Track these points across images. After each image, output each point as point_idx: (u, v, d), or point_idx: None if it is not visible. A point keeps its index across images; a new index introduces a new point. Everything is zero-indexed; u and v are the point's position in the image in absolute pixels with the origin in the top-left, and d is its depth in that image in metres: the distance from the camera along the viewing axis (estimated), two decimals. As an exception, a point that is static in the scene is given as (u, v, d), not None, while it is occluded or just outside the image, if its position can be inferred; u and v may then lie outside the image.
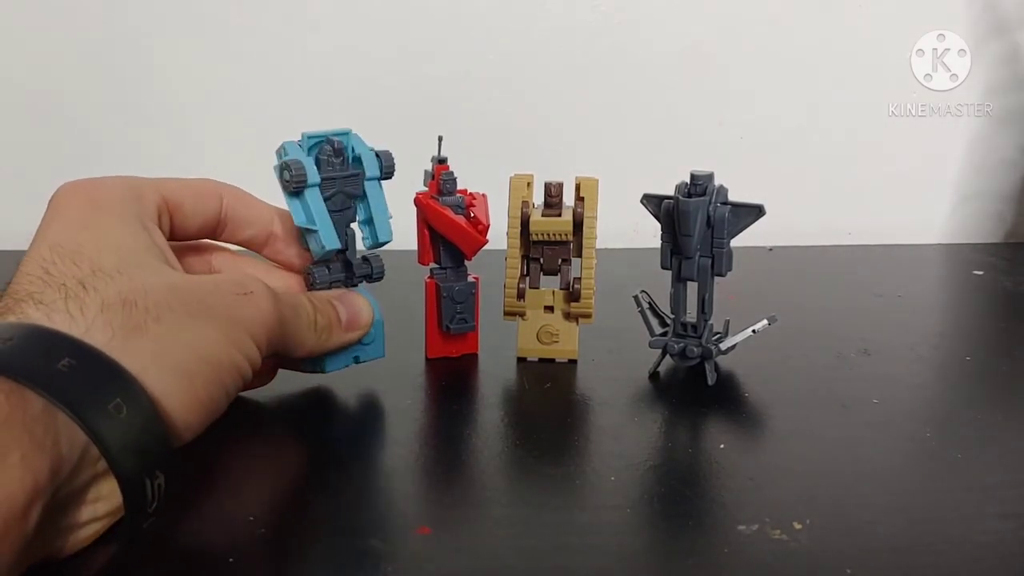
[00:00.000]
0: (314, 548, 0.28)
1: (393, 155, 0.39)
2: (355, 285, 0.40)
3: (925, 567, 0.27)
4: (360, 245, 0.40)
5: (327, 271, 0.38)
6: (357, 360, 0.40)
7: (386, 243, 0.39)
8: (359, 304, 0.38)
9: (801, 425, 0.37)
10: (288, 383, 0.40)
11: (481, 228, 0.42)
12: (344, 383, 0.41)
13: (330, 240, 0.37)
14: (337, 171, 0.37)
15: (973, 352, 0.47)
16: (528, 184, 0.43)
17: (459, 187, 0.42)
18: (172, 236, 0.35)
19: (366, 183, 0.38)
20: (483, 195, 0.43)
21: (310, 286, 0.38)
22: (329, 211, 0.37)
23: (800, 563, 0.27)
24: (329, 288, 0.38)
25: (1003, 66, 0.72)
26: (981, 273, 0.63)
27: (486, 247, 0.42)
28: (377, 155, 0.38)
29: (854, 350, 0.46)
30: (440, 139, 0.42)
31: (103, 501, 0.26)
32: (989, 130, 0.74)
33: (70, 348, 0.25)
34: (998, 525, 0.30)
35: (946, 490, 0.32)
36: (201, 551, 0.28)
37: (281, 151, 0.36)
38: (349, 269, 0.39)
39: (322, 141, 0.37)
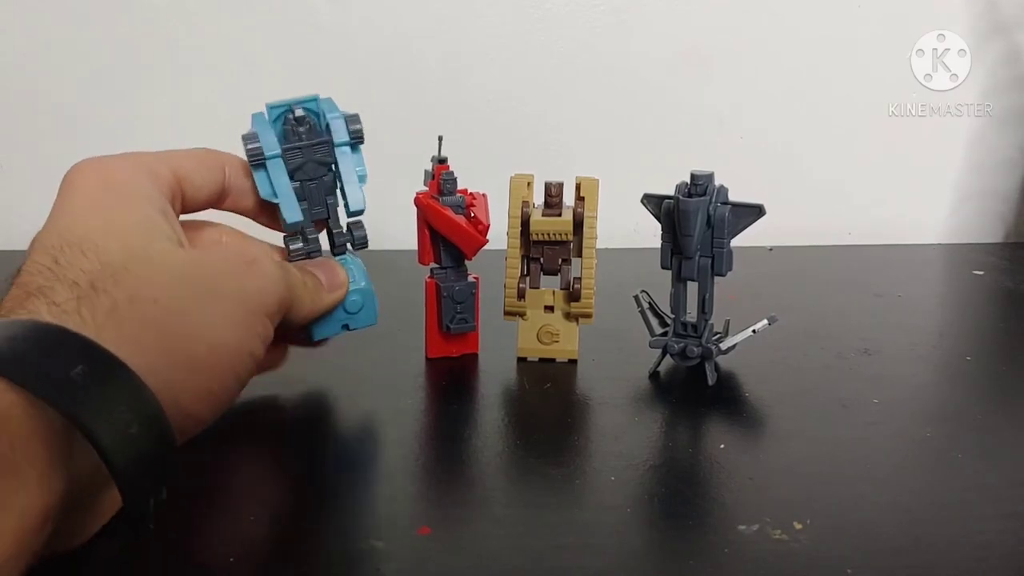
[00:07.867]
0: (314, 548, 0.28)
1: (361, 117, 0.37)
2: (340, 254, 0.39)
3: (925, 567, 0.27)
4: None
5: (301, 242, 0.38)
6: (347, 328, 0.39)
7: (359, 212, 0.37)
8: (330, 264, 0.38)
9: (801, 425, 0.37)
10: (288, 383, 0.40)
11: (481, 228, 0.42)
12: (344, 383, 0.41)
13: (290, 213, 0.36)
14: (303, 140, 0.36)
15: (973, 352, 0.47)
16: (528, 184, 0.43)
17: (459, 187, 0.42)
18: (183, 209, 0.35)
19: (336, 149, 0.37)
20: (483, 195, 0.43)
21: (286, 257, 0.38)
22: (302, 180, 0.36)
23: (800, 563, 0.27)
24: (305, 259, 0.38)
25: (1003, 66, 0.72)
26: (981, 273, 0.63)
27: (486, 247, 0.42)
28: (345, 119, 0.37)
29: (854, 350, 0.46)
30: (440, 139, 0.42)
31: (113, 501, 0.26)
32: (989, 130, 0.74)
33: (82, 351, 0.24)
34: (998, 525, 0.30)
35: (946, 490, 0.32)
36: (201, 551, 0.28)
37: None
38: (331, 237, 0.39)
39: (286, 111, 0.36)
